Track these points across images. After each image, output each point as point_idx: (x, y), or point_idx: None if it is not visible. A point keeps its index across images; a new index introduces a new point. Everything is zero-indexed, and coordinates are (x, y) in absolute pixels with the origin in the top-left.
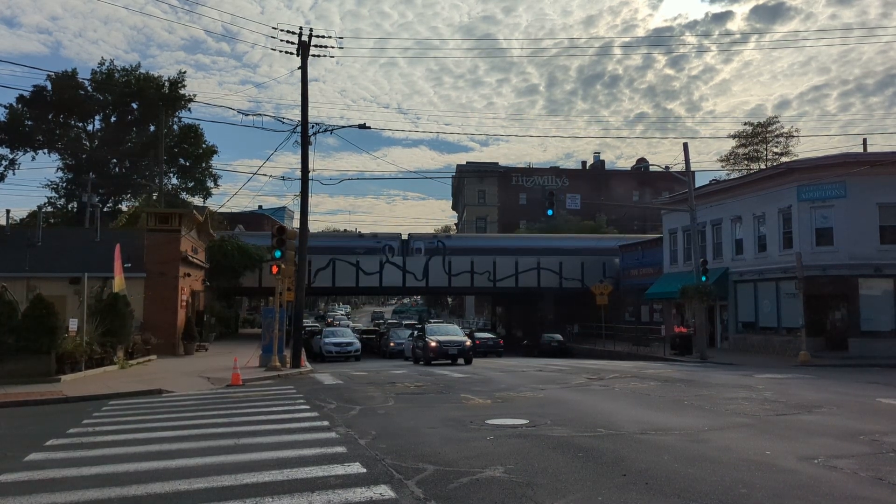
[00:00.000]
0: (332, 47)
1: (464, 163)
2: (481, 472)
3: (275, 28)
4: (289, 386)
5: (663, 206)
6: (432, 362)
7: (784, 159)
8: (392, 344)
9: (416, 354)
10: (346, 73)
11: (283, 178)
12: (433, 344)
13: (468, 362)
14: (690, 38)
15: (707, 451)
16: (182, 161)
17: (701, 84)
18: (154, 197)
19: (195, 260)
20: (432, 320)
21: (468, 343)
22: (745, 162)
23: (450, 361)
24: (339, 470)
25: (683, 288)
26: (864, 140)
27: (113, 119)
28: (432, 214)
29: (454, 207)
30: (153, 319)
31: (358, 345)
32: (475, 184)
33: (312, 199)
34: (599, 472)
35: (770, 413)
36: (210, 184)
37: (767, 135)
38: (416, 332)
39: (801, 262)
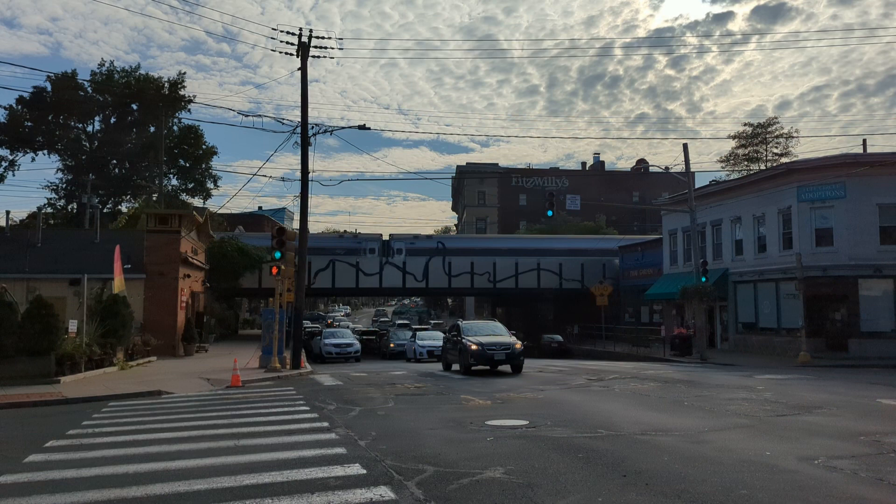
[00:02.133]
0: (333, 48)
1: (464, 164)
2: (481, 474)
3: (275, 29)
4: (288, 387)
5: (663, 206)
6: (472, 369)
7: (784, 160)
8: (392, 345)
9: (448, 359)
10: (346, 73)
11: (283, 179)
12: (474, 347)
13: (517, 370)
14: (691, 39)
15: (707, 451)
16: (182, 162)
17: (702, 84)
18: (154, 198)
19: (195, 261)
20: (432, 321)
21: (518, 345)
22: (745, 163)
23: (489, 368)
24: (338, 471)
25: (683, 289)
26: (864, 141)
27: (113, 120)
28: (433, 215)
29: (454, 208)
30: (153, 320)
31: (358, 346)
32: (475, 185)
33: (312, 200)
34: (599, 473)
35: (770, 414)
36: (210, 185)
37: (767, 135)
38: (413, 333)
39: (801, 263)
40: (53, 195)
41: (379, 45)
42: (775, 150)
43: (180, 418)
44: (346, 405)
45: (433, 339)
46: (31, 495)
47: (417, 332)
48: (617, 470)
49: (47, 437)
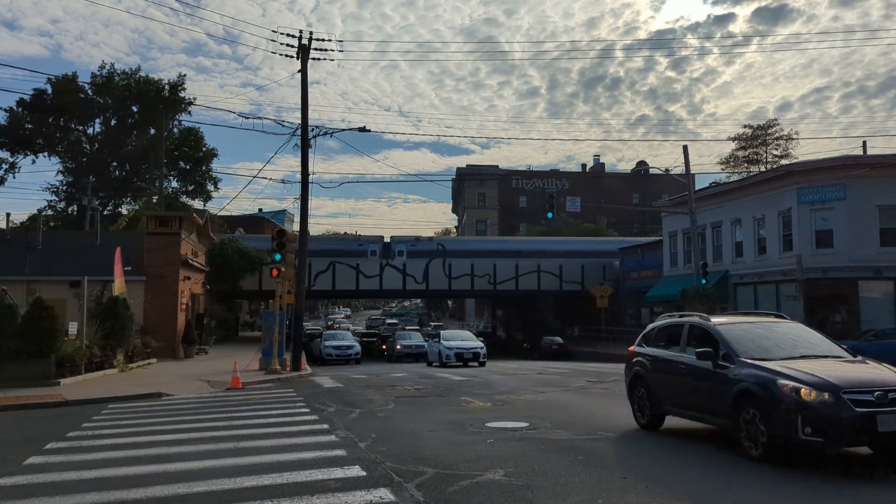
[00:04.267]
0: (333, 50)
1: (464, 165)
2: (481, 476)
3: (275, 31)
4: (289, 389)
5: (663, 208)
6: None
7: (784, 162)
8: (399, 346)
9: (706, 410)
10: (347, 75)
11: (283, 181)
12: (821, 395)
13: None
14: (692, 41)
15: (708, 454)
16: (182, 164)
17: (702, 86)
18: (154, 200)
19: (195, 263)
20: (432, 323)
21: None
22: (745, 165)
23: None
24: (338, 473)
25: (684, 290)
26: (864, 143)
27: (113, 122)
28: (433, 217)
29: (454, 210)
30: (153, 323)
31: (358, 348)
32: (475, 186)
33: (313, 202)
34: (600, 475)
35: None
36: (210, 187)
37: (767, 137)
38: (437, 332)
39: (801, 265)
40: (54, 197)
41: (380, 47)
42: (775, 153)
43: (180, 420)
44: (346, 407)
45: (462, 339)
46: (31, 498)
47: (442, 332)
48: (617, 472)
49: (47, 439)
